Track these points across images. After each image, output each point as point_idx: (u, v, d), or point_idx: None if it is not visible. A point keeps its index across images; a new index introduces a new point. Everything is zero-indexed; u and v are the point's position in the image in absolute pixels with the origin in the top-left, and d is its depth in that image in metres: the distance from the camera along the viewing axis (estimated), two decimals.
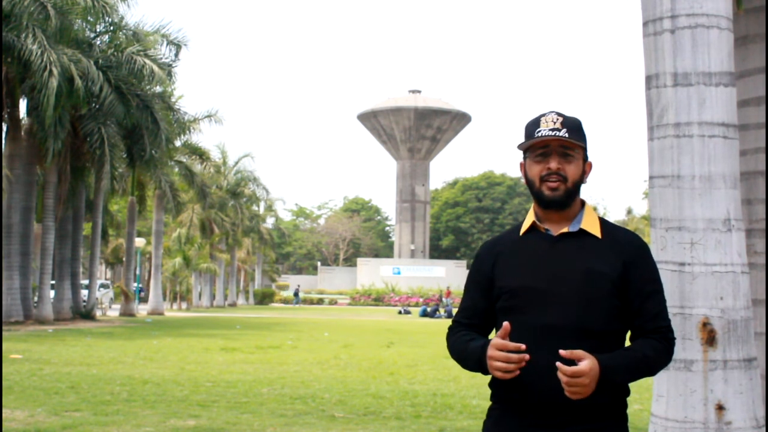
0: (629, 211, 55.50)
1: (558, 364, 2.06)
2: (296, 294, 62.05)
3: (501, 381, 2.27)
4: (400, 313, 45.49)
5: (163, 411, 8.00)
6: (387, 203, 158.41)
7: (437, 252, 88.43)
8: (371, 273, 69.55)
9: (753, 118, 4.99)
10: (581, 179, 2.31)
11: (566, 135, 2.25)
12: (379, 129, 75.53)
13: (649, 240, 5.36)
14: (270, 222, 71.80)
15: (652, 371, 2.21)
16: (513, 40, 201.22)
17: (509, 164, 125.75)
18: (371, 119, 75.50)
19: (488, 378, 2.32)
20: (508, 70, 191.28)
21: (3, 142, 24.28)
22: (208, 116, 36.62)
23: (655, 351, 2.20)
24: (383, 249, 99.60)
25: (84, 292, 31.02)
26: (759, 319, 4.66)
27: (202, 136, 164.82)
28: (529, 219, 2.36)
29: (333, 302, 62.71)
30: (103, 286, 38.44)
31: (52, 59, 21.34)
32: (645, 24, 3.92)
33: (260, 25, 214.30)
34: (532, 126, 2.31)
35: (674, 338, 2.27)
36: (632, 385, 2.43)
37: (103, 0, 23.99)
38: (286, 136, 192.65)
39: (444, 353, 2.50)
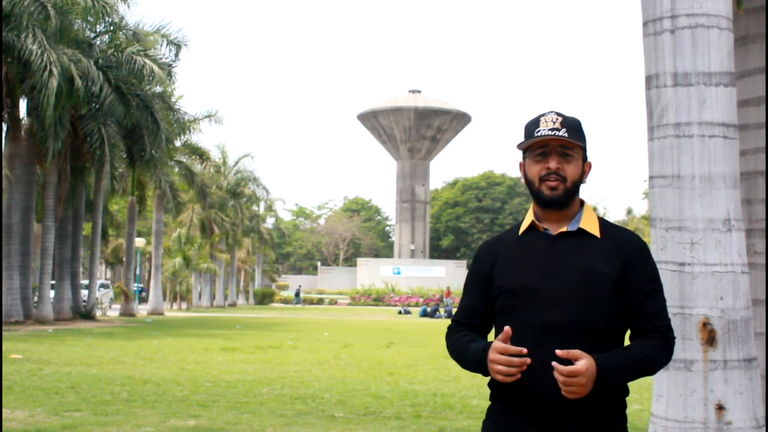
0: (629, 211, 55.53)
1: (554, 363, 2.06)
2: (297, 294, 62.02)
3: (501, 381, 2.27)
4: (400, 313, 45.49)
5: (163, 411, 8.00)
6: (387, 203, 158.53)
7: (437, 252, 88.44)
8: (371, 273, 69.55)
9: (753, 118, 4.99)
10: (580, 179, 2.31)
11: (566, 135, 2.25)
12: (379, 129, 75.54)
13: (649, 240, 5.36)
14: (270, 222, 71.82)
15: (651, 371, 2.21)
16: (513, 40, 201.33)
17: (509, 164, 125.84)
18: (371, 119, 75.50)
19: (488, 378, 2.32)
20: (508, 70, 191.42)
21: (3, 142, 24.29)
22: (208, 116, 36.63)
23: (654, 350, 2.19)
24: (383, 249, 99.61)
25: (84, 292, 31.02)
26: (759, 319, 4.66)
27: (202, 136, 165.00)
28: (528, 218, 2.36)
29: (333, 302, 62.70)
30: (103, 286, 38.45)
31: (52, 59, 21.35)
32: (645, 24, 3.92)
33: (260, 25, 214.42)
34: (532, 126, 2.31)
35: (674, 338, 2.27)
36: (632, 385, 2.43)
37: (103, 0, 23.99)
38: (286, 136, 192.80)
39: (444, 353, 2.51)
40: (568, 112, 2.32)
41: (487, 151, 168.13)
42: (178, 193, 37.23)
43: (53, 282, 27.84)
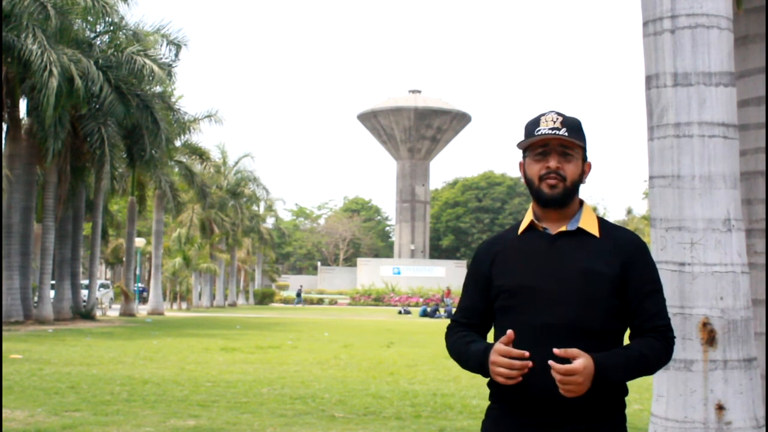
0: (629, 211, 55.53)
1: (550, 362, 2.06)
2: (299, 294, 62.00)
3: (501, 383, 2.27)
4: (400, 313, 45.49)
5: (163, 411, 8.00)
6: (387, 203, 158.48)
7: (437, 252, 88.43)
8: (371, 273, 69.54)
9: (753, 118, 4.99)
10: (580, 179, 2.31)
11: (566, 134, 2.25)
12: (379, 129, 75.53)
13: (649, 240, 5.36)
14: (270, 222, 71.82)
15: (650, 370, 2.21)
16: (513, 40, 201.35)
17: (509, 164, 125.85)
18: (371, 119, 75.50)
19: (488, 378, 2.32)
20: (508, 70, 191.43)
21: (3, 142, 24.29)
22: (208, 116, 36.64)
23: (653, 350, 2.19)
24: (383, 249, 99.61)
25: (84, 292, 31.02)
26: (759, 319, 4.66)
27: (202, 136, 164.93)
28: (528, 218, 2.36)
29: (333, 302, 62.70)
30: (103, 286, 38.45)
31: (52, 59, 21.35)
32: (645, 24, 3.92)
33: (260, 25, 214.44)
34: (532, 125, 2.31)
35: (674, 337, 2.26)
36: (632, 385, 2.43)
37: (103, 0, 23.99)
38: (286, 136, 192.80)
39: (444, 353, 2.51)
40: (568, 112, 2.32)
41: (487, 151, 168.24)
42: (178, 193, 37.23)
43: (53, 282, 27.84)
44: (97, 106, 24.94)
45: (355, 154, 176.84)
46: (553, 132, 2.25)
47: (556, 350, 2.07)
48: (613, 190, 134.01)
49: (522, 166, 2.37)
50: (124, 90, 24.84)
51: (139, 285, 48.20)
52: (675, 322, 3.64)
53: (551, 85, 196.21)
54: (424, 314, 41.61)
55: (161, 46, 28.54)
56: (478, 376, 2.32)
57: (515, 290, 2.27)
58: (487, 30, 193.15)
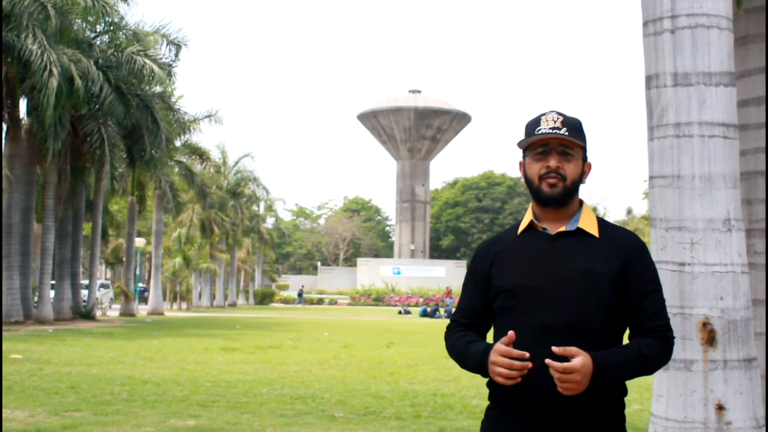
0: (629, 211, 55.54)
1: (548, 361, 2.06)
2: (300, 294, 61.98)
3: (501, 384, 2.27)
4: (400, 313, 45.49)
5: (163, 411, 8.00)
6: (387, 203, 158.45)
7: (437, 252, 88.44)
8: (371, 273, 69.54)
9: (753, 118, 4.99)
10: (580, 179, 2.31)
11: (566, 134, 2.26)
12: (379, 129, 75.54)
13: (648, 240, 5.36)
14: (270, 222, 71.82)
15: (649, 370, 2.21)
16: (513, 40, 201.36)
17: (509, 164, 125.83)
18: (371, 119, 75.51)
19: (487, 378, 2.32)
20: (508, 70, 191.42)
21: (3, 142, 24.29)
22: (208, 116, 36.63)
23: (652, 349, 2.19)
24: (383, 249, 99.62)
25: (84, 292, 31.02)
26: (759, 319, 4.66)
27: (202, 136, 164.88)
28: (527, 218, 2.36)
29: (333, 302, 62.70)
30: (103, 286, 38.45)
31: (52, 59, 21.35)
32: (645, 24, 3.92)
33: (260, 25, 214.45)
34: (533, 124, 2.31)
35: (673, 337, 2.26)
36: (632, 385, 2.43)
37: (103, 0, 23.99)
38: (286, 136, 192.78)
39: (444, 353, 2.50)
40: (569, 113, 2.32)
41: (487, 151, 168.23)
42: (178, 193, 37.23)
43: (53, 282, 27.84)
44: (97, 106, 24.94)
45: (355, 154, 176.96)
46: (554, 131, 2.25)
47: (555, 348, 2.07)
48: (613, 190, 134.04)
49: (522, 165, 2.37)
50: (124, 90, 24.84)
51: (141, 285, 48.21)
52: (675, 322, 3.64)
53: (551, 85, 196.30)
54: (424, 314, 41.61)
55: (161, 46, 28.56)
56: (478, 376, 2.32)
57: (515, 290, 2.27)
58: (486, 30, 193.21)
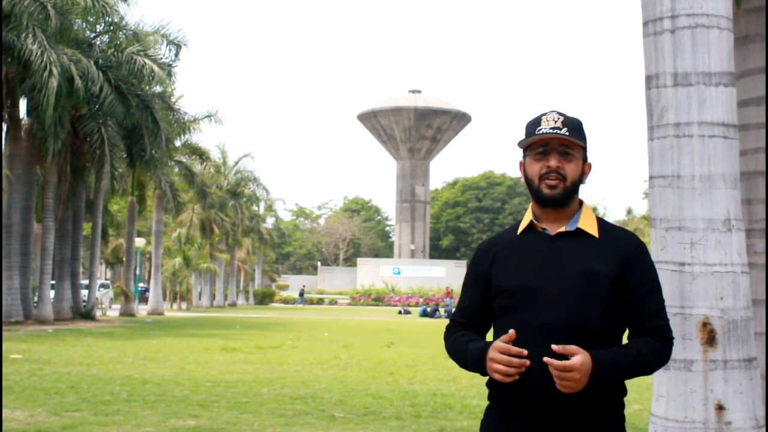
0: (629, 211, 55.52)
1: (546, 359, 2.06)
2: (301, 294, 61.94)
3: (499, 381, 2.27)
4: (400, 313, 45.49)
5: (163, 411, 8.00)
6: (387, 203, 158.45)
7: (437, 252, 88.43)
8: (371, 273, 69.54)
9: (753, 118, 4.99)
10: (580, 179, 2.31)
11: (567, 134, 2.26)
12: (379, 129, 75.54)
13: (648, 240, 5.36)
14: (270, 222, 71.81)
15: (648, 370, 2.21)
16: (513, 40, 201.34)
17: (509, 164, 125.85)
18: (371, 119, 75.50)
19: (487, 378, 2.32)
20: (508, 70, 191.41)
21: (3, 142, 24.29)
22: (208, 116, 36.63)
23: (651, 349, 2.19)
24: (383, 249, 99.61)
25: (84, 292, 31.02)
26: (759, 319, 4.66)
27: (202, 136, 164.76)
28: (527, 218, 2.36)
29: (333, 302, 62.71)
30: (103, 286, 38.44)
31: (52, 59, 21.35)
32: (645, 24, 3.92)
33: (260, 25, 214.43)
34: (533, 124, 2.31)
35: (672, 338, 2.26)
36: (632, 385, 2.43)
37: (103, 0, 23.99)
38: (286, 136, 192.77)
39: (444, 353, 2.51)
40: (569, 113, 2.32)
41: (487, 151, 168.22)
42: (178, 193, 37.23)
43: (53, 282, 27.84)
44: (97, 106, 24.94)
45: (355, 154, 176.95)
46: (554, 131, 2.25)
47: (554, 346, 2.07)
48: (613, 190, 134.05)
49: (522, 165, 2.37)
50: (124, 90, 24.84)
51: (141, 285, 48.20)
52: (675, 322, 3.64)
53: (551, 85, 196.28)
54: (424, 314, 41.61)
55: (161, 46, 28.57)
56: (478, 376, 2.32)
57: (514, 290, 2.27)
58: (486, 30, 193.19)
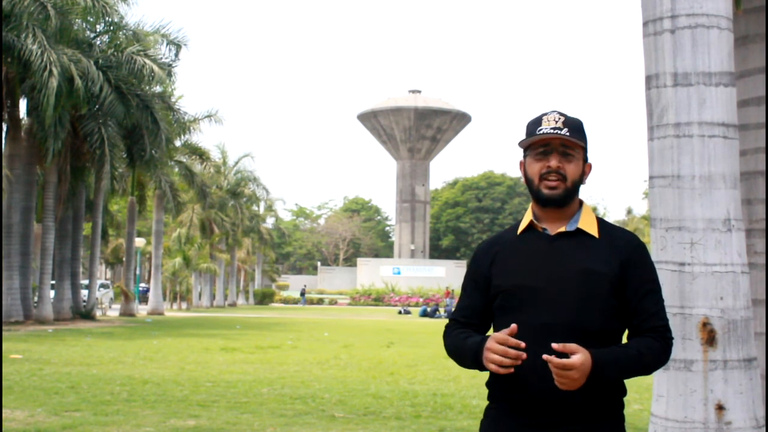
0: (629, 211, 55.52)
1: (546, 357, 2.06)
2: (302, 294, 61.90)
3: (498, 381, 2.27)
4: (400, 313, 45.49)
5: (163, 411, 8.00)
6: (387, 203, 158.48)
7: (437, 252, 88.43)
8: (371, 273, 69.55)
9: (753, 118, 4.99)
10: (580, 179, 2.31)
11: (567, 134, 2.26)
12: (379, 129, 75.54)
13: (648, 240, 5.36)
14: (270, 222, 71.81)
15: (647, 369, 2.21)
16: (513, 40, 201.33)
17: (509, 164, 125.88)
18: (371, 119, 75.50)
19: (486, 378, 2.32)
20: (508, 70, 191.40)
21: (3, 142, 24.29)
22: (208, 116, 36.63)
23: (651, 349, 2.19)
24: (383, 249, 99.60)
25: (84, 292, 31.02)
26: (759, 319, 4.66)
27: (202, 136, 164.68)
28: (527, 218, 2.36)
29: (333, 302, 62.71)
30: (103, 286, 38.44)
31: (52, 59, 21.34)
32: (645, 24, 3.92)
33: (260, 25, 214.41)
34: (534, 124, 2.31)
35: (672, 338, 2.26)
36: (632, 385, 2.43)
37: (103, 0, 23.99)
38: (286, 136, 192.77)
39: (444, 353, 2.50)
40: (569, 113, 2.32)
41: (487, 151, 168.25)
42: (178, 193, 37.22)
43: (53, 282, 27.84)
44: (97, 106, 24.94)
45: (355, 154, 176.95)
46: (555, 132, 2.25)
47: (554, 345, 2.07)
48: (613, 190, 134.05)
49: (522, 165, 2.37)
50: (124, 90, 24.84)
51: (142, 285, 48.20)
52: (675, 322, 3.64)
53: (551, 85, 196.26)
54: (424, 314, 41.61)
55: (161, 46, 28.56)
56: (479, 376, 2.33)
57: (514, 290, 2.27)
58: (486, 30, 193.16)
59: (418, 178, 76.19)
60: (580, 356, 2.06)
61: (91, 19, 25.43)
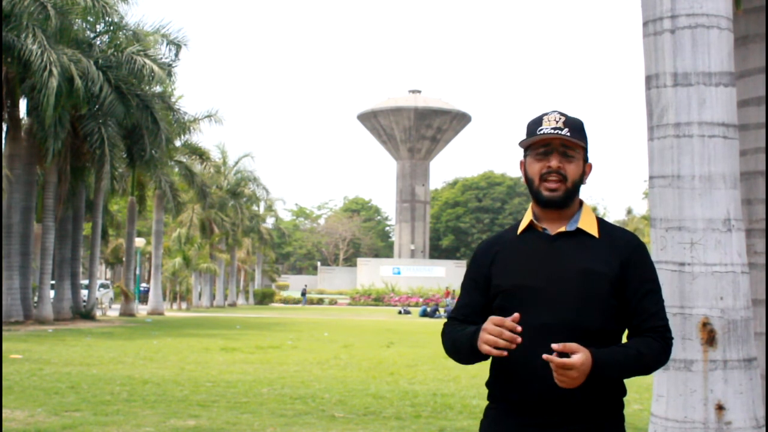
0: (629, 211, 55.52)
1: (546, 356, 2.05)
2: (303, 294, 61.87)
3: (498, 381, 2.27)
4: (400, 313, 45.49)
5: (163, 411, 8.00)
6: (387, 203, 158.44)
7: (437, 252, 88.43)
8: (371, 273, 69.55)
9: (753, 118, 4.99)
10: (581, 179, 2.31)
11: (568, 134, 2.25)
12: (379, 129, 75.53)
13: (648, 240, 5.36)
14: (270, 222, 71.80)
15: (647, 369, 2.21)
16: (513, 40, 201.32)
17: (509, 164, 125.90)
18: (371, 119, 75.50)
19: (486, 378, 2.32)
20: (508, 70, 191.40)
21: (3, 142, 24.29)
22: (208, 116, 36.63)
23: (651, 349, 2.19)
24: (383, 249, 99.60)
25: (84, 292, 31.02)
26: (759, 319, 4.66)
27: (202, 136, 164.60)
28: (527, 218, 2.36)
29: (333, 302, 62.71)
30: (103, 286, 38.44)
31: (52, 59, 21.35)
32: (645, 24, 3.92)
33: (260, 25, 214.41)
34: (534, 124, 2.31)
35: (672, 338, 2.26)
36: (632, 385, 2.43)
37: (103, 0, 23.99)
38: (286, 136, 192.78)
39: (444, 353, 2.49)
40: (570, 112, 2.32)
41: (487, 151, 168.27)
42: (178, 193, 37.22)
43: (53, 282, 27.84)
44: (97, 106, 24.93)
45: (355, 154, 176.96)
46: (556, 132, 2.25)
47: (554, 345, 2.07)
48: (613, 190, 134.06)
49: (523, 164, 2.37)
50: (124, 90, 24.84)
51: (144, 285, 48.18)
52: (675, 322, 3.64)
53: (551, 85, 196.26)
54: (424, 314, 41.61)
55: (161, 46, 28.56)
56: (478, 376, 2.33)
57: (514, 290, 2.27)
58: (486, 30, 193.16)
59: (418, 178, 76.20)
60: (580, 356, 2.06)
61: (91, 19, 25.43)
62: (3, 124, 24.23)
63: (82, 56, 23.22)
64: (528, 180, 2.33)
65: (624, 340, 2.26)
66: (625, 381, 2.26)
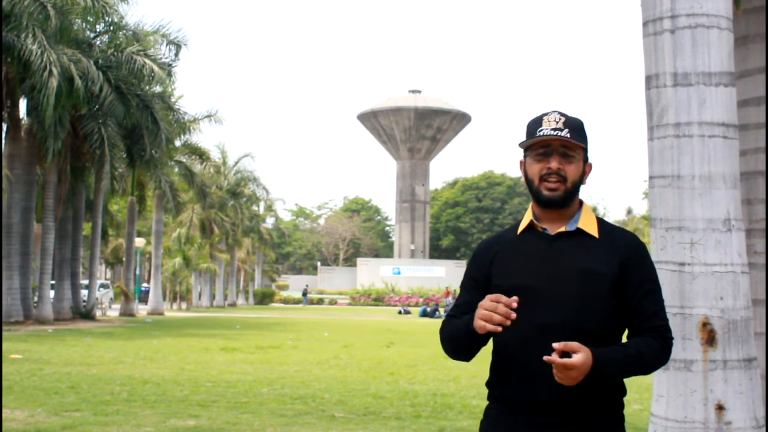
0: (629, 211, 55.51)
1: (546, 358, 2.05)
2: (305, 294, 61.86)
3: (498, 381, 2.27)
4: (400, 313, 45.49)
5: (163, 411, 8.00)
6: (387, 203, 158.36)
7: (437, 252, 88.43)
8: (371, 273, 69.55)
9: (753, 118, 4.99)
10: (581, 180, 2.31)
11: (568, 135, 2.25)
12: (379, 129, 75.53)
13: (648, 240, 5.36)
14: (270, 222, 71.81)
15: (647, 369, 2.21)
16: (513, 40, 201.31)
17: (509, 164, 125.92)
18: (371, 119, 75.50)
19: (486, 378, 2.32)
20: (508, 70, 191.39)
21: (3, 142, 24.29)
22: (208, 116, 36.64)
23: (651, 349, 2.19)
24: (383, 249, 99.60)
25: (84, 292, 31.02)
26: (759, 319, 4.66)
27: (202, 136, 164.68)
28: (527, 218, 2.36)
29: (333, 302, 62.71)
30: (103, 286, 38.44)
31: (52, 59, 21.34)
32: (645, 24, 3.92)
33: (260, 25, 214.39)
34: (534, 125, 2.31)
35: (672, 338, 2.26)
36: (632, 385, 2.43)
37: (103, 0, 23.99)
38: (286, 136, 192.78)
39: (444, 353, 2.47)
40: (570, 113, 2.32)
41: (487, 151, 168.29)
42: (178, 193, 37.21)
43: (53, 282, 27.84)
44: (97, 106, 24.95)
45: (355, 154, 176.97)
46: (556, 133, 2.25)
47: (555, 345, 2.07)
48: (613, 190, 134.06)
49: (523, 165, 2.37)
50: (124, 90, 24.84)
51: (144, 285, 48.16)
52: (675, 322, 3.64)
53: (551, 85, 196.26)
54: (424, 314, 41.61)
55: (161, 45, 28.57)
56: (478, 376, 2.33)
57: (514, 290, 2.27)
58: (486, 30, 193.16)
59: (418, 178, 76.20)
60: (581, 355, 2.06)
61: (91, 19, 25.43)
62: (3, 124, 24.23)
63: (82, 56, 23.21)
64: (528, 180, 2.33)
65: (624, 340, 2.26)
66: (625, 381, 2.26)
